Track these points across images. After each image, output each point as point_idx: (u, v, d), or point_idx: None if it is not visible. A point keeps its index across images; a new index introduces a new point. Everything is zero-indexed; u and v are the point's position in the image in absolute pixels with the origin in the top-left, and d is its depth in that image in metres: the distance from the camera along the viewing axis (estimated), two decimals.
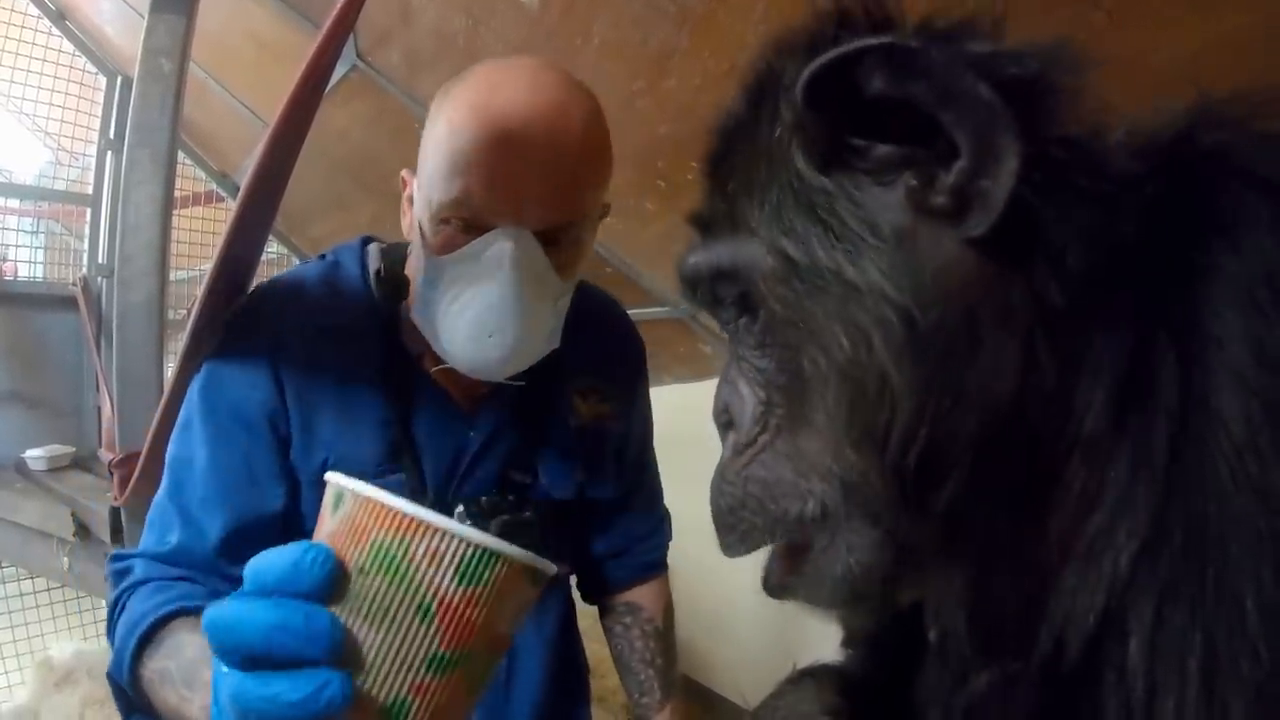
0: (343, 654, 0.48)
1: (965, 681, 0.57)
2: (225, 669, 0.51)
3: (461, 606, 0.48)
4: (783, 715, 0.74)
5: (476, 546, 0.48)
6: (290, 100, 0.93)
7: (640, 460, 1.30)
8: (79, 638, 2.96)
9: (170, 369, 1.14)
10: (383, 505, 0.48)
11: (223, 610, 0.50)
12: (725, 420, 0.56)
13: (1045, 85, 0.47)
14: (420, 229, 0.93)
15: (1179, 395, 0.46)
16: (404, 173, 1.01)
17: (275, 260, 3.69)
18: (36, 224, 3.69)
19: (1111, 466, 0.47)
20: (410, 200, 0.99)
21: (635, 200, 1.87)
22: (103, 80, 3.32)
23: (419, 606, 0.47)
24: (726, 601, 2.87)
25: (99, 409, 2.96)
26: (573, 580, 1.32)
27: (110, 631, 0.88)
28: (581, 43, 1.59)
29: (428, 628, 0.48)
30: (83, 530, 2.31)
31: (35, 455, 2.86)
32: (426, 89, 2.14)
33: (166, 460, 0.99)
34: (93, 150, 3.30)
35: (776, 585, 0.56)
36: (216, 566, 0.93)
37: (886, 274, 0.47)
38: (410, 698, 0.48)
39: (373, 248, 1.10)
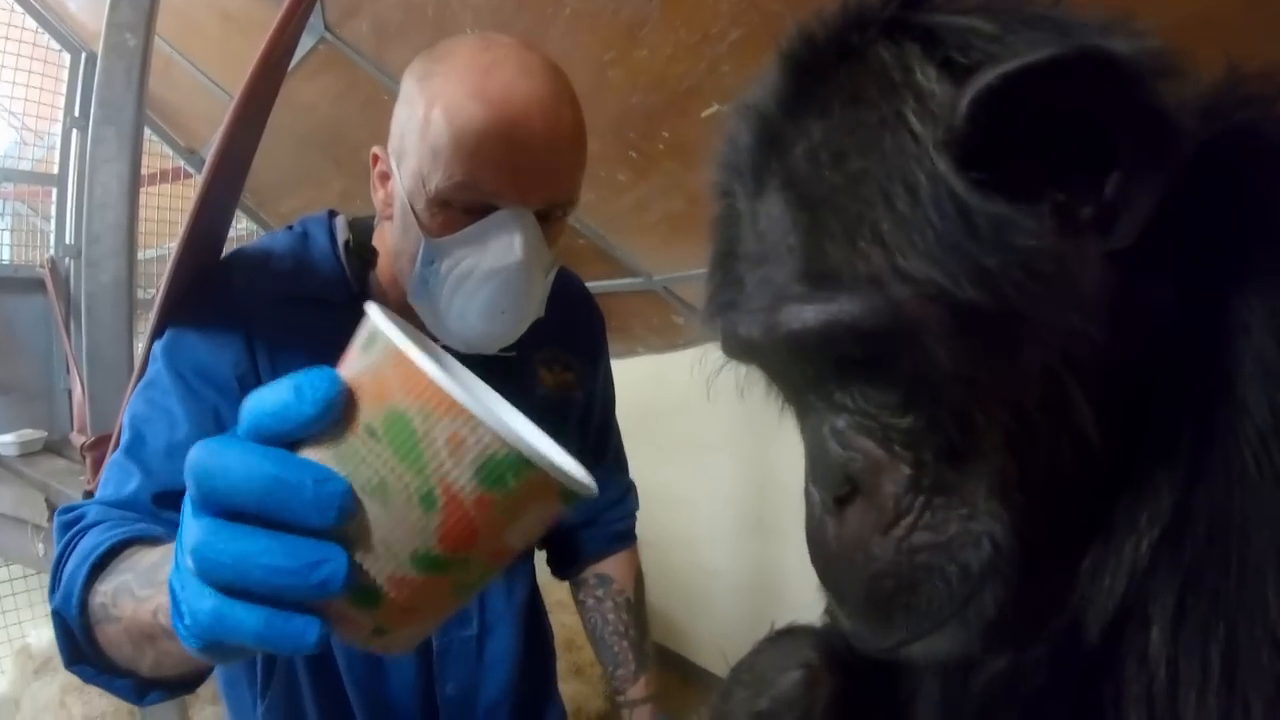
0: (347, 531, 0.41)
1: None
2: (194, 514, 0.44)
3: (471, 508, 0.41)
4: (760, 670, 0.75)
5: (507, 448, 0.40)
6: (254, 73, 0.92)
7: (604, 427, 1.32)
8: None
9: (140, 348, 1.12)
10: (413, 367, 0.40)
11: (212, 451, 0.43)
12: (846, 491, 0.50)
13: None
14: (412, 212, 0.94)
15: (1204, 380, 0.45)
16: (375, 149, 1.00)
17: (244, 236, 3.63)
18: (2, 206, 3.63)
19: (1135, 450, 0.47)
20: (382, 177, 1.00)
21: (607, 171, 1.86)
22: (66, 57, 3.25)
23: (423, 495, 0.40)
24: (701, 571, 2.90)
25: (70, 392, 2.93)
26: (540, 555, 1.33)
27: (55, 582, 0.79)
28: (553, 12, 1.58)
29: (426, 521, 0.41)
30: None
31: (6, 441, 2.83)
32: (396, 60, 2.12)
33: (124, 422, 0.97)
34: (58, 129, 3.24)
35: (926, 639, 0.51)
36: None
37: (1070, 307, 0.44)
38: (385, 588, 0.42)
39: (340, 219, 1.11)
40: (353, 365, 0.43)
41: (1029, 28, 0.44)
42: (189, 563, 0.43)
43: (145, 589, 0.66)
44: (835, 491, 0.51)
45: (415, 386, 0.40)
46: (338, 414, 0.42)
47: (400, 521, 0.41)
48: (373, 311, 0.44)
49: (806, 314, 0.47)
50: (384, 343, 0.42)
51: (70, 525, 0.85)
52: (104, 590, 0.72)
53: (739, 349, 0.53)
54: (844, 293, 0.45)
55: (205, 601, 0.43)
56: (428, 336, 0.52)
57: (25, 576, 3.03)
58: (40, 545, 2.39)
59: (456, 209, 0.91)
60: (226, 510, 0.43)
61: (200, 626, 0.43)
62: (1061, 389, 0.45)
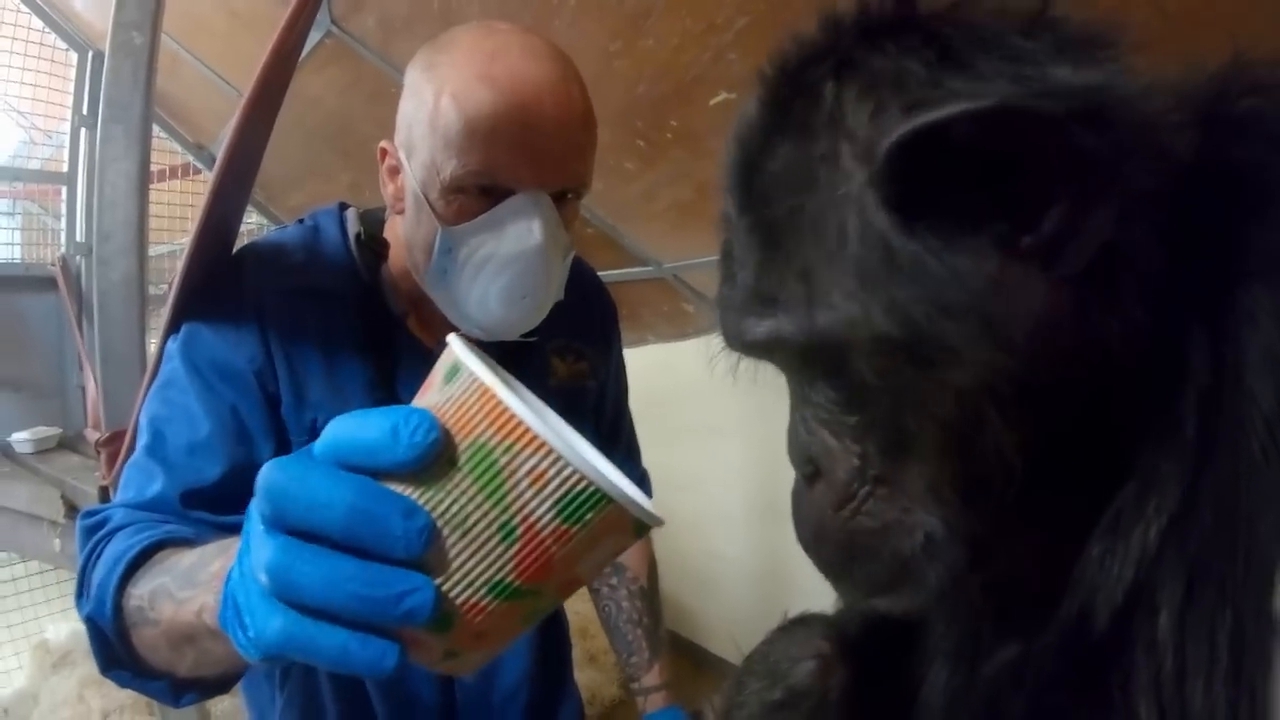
0: (426, 559, 0.42)
1: (981, 638, 0.58)
2: (266, 528, 0.43)
3: (549, 541, 0.41)
4: (773, 660, 0.75)
5: (589, 484, 0.41)
6: (264, 68, 0.92)
7: (617, 417, 1.32)
8: (74, 619, 2.95)
9: (153, 345, 1.13)
10: (498, 401, 0.41)
11: (290, 474, 0.43)
12: (810, 471, 0.55)
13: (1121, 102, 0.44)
14: (426, 203, 0.93)
15: (1210, 370, 0.45)
16: (383, 144, 1.00)
17: (255, 231, 3.65)
18: (13, 205, 3.65)
19: (1142, 438, 0.47)
20: (392, 171, 0.99)
21: (615, 160, 1.86)
22: (74, 56, 3.27)
23: (503, 526, 0.41)
24: (711, 557, 2.90)
25: (83, 389, 2.95)
26: None
27: (82, 589, 0.79)
28: (558, 3, 1.58)
29: (505, 551, 0.41)
30: (73, 511, 2.28)
31: (21, 438, 2.85)
32: (402, 53, 2.12)
33: (142, 423, 0.96)
34: (66, 128, 3.26)
35: (877, 599, 0.57)
36: (209, 509, 0.88)
37: (988, 335, 0.45)
38: (458, 615, 0.42)
39: (350, 212, 1.10)
40: (434, 396, 0.44)
41: (976, 62, 0.45)
42: (263, 579, 0.43)
43: (186, 590, 0.65)
44: (800, 470, 0.56)
45: (500, 422, 0.41)
46: (431, 458, 0.42)
47: (479, 552, 0.42)
48: (456, 344, 0.44)
49: (757, 327, 0.51)
50: (468, 376, 0.42)
51: (94, 529, 0.84)
52: (139, 594, 0.72)
53: (725, 341, 0.57)
54: (781, 312, 0.50)
55: (275, 619, 0.43)
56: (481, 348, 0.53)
57: (42, 572, 3.04)
58: (57, 541, 2.40)
59: (472, 195, 0.91)
60: (302, 531, 0.42)
61: (266, 642, 0.43)
62: (978, 411, 0.47)
